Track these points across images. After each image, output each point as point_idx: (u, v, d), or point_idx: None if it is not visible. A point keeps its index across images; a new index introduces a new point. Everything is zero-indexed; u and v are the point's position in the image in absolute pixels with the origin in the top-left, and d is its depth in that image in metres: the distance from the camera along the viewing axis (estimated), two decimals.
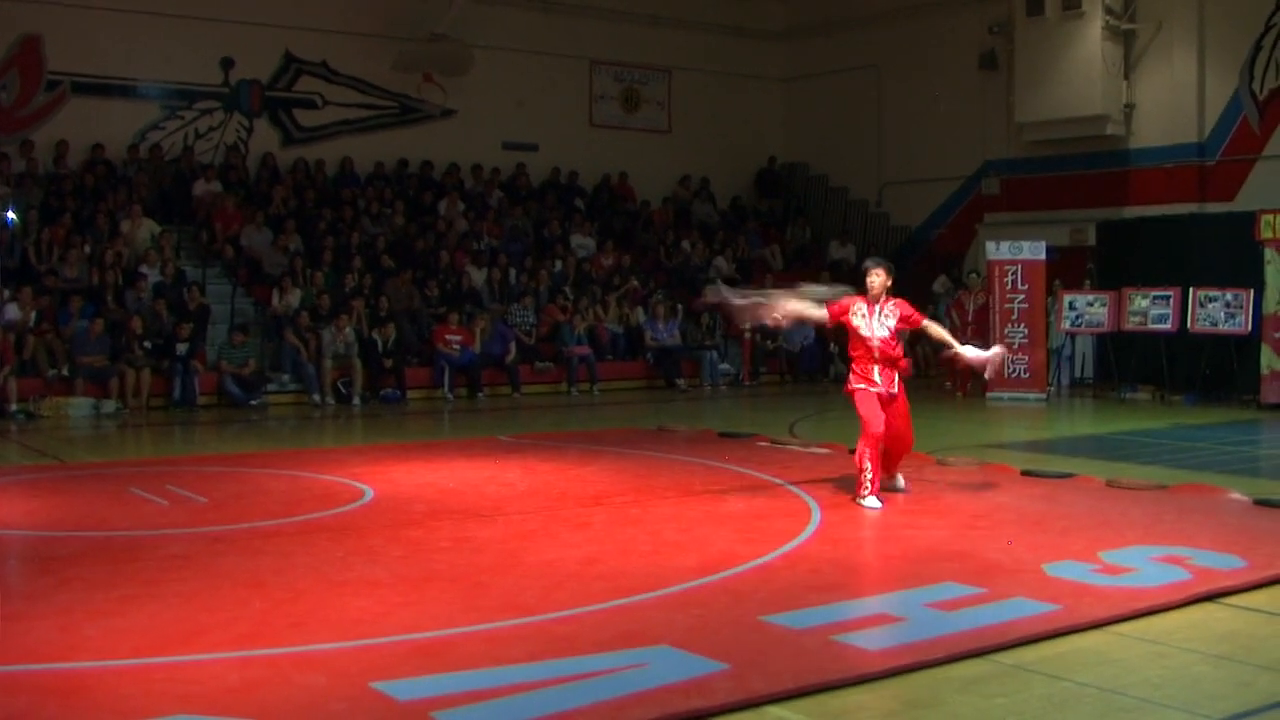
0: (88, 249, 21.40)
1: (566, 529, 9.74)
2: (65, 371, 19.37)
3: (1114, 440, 16.25)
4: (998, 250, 21.66)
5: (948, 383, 22.55)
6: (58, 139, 23.36)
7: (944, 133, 28.36)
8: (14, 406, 18.50)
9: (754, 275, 27.30)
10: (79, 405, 19.09)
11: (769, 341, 24.98)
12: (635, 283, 25.60)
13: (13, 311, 19.36)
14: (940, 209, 28.94)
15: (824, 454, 14.06)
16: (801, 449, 14.59)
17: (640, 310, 24.83)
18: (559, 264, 25.57)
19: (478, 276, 24.24)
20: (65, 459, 14.83)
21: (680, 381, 23.80)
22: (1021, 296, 21.19)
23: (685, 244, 27.77)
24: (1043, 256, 21.38)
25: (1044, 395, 21.10)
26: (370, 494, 11.31)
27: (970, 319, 21.87)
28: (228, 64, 25.49)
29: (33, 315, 19.52)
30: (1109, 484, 11.75)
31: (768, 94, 31.93)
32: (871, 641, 6.57)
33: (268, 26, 25.58)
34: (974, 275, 23.04)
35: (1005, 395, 20.88)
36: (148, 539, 9.50)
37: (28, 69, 23.64)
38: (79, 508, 11.07)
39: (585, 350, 23.23)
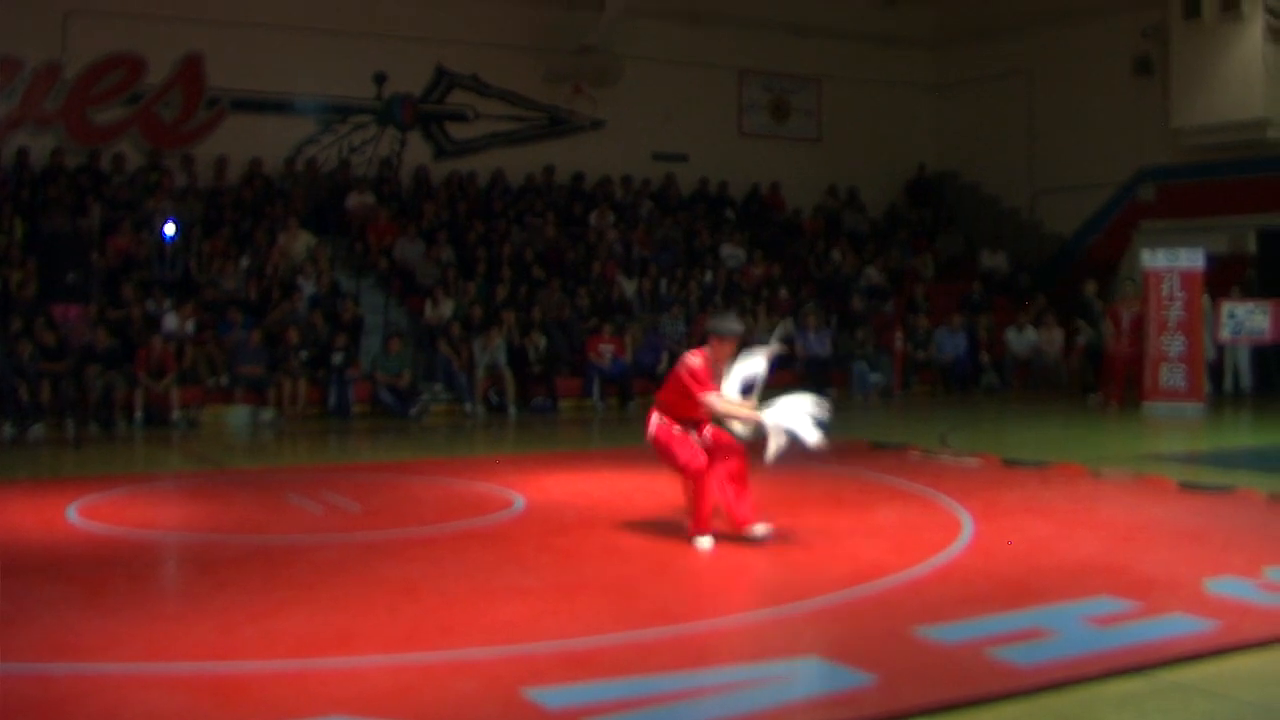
0: (245, 262, 21.87)
1: (716, 538, 9.72)
2: (224, 381, 19.81)
3: (1277, 453, 15.84)
4: (1154, 258, 21.23)
5: (1097, 395, 22.14)
6: (218, 154, 23.93)
7: (1097, 139, 27.85)
8: (176, 414, 18.93)
9: (905, 285, 27.11)
10: (237, 413, 19.50)
11: (920, 352, 24.76)
12: (784, 292, 25.53)
13: (171, 322, 19.84)
14: (1094, 217, 28.43)
15: (976, 465, 13.89)
16: (954, 460, 14.42)
17: (791, 320, 24.71)
18: (709, 274, 25.56)
19: (628, 287, 24.34)
20: (224, 465, 15.15)
21: (830, 391, 23.64)
22: (1178, 305, 20.75)
23: (835, 254, 27.63)
24: (1200, 264, 20.91)
25: (1201, 405, 20.60)
26: (521, 502, 11.39)
27: (1125, 328, 21.46)
28: (380, 79, 25.90)
29: (190, 324, 19.97)
30: (1272, 498, 11.43)
31: (918, 102, 31.63)
32: (1025, 656, 6.47)
33: (419, 41, 25.94)
34: (1129, 283, 22.60)
35: (1161, 406, 20.45)
36: (303, 544, 9.68)
37: (189, 87, 24.25)
38: (237, 513, 11.31)
39: None
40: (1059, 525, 10.23)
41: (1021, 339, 24.92)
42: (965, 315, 25.43)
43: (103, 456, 16.16)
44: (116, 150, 23.32)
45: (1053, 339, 24.80)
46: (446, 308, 21.96)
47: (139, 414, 18.75)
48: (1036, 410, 21.68)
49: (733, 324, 9.93)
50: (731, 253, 26.62)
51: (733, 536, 9.39)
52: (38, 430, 17.69)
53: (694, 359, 9.55)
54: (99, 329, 19.00)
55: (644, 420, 10.00)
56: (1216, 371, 22.45)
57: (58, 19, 23.02)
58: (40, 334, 18.63)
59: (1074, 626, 7.06)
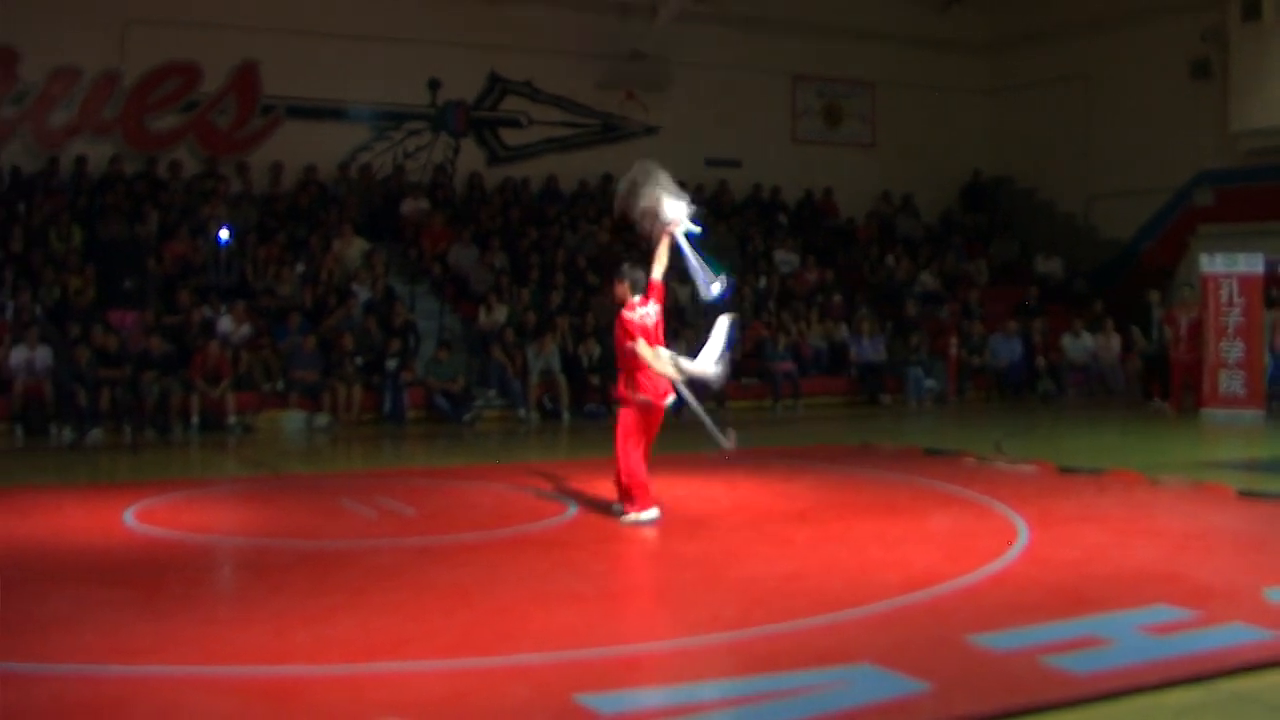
0: (301, 267, 21.98)
1: (769, 545, 9.71)
2: (279, 386, 19.91)
3: None
4: (1212, 263, 21.01)
5: (1155, 400, 21.97)
6: (273, 161, 24.09)
7: (1154, 143, 27.61)
8: (231, 419, 19.03)
9: (959, 290, 26.97)
10: (292, 419, 19.58)
11: (975, 357, 24.63)
12: (838, 298, 25.48)
13: (226, 325, 19.96)
14: (1150, 222, 28.19)
15: (1032, 472, 13.79)
16: (1009, 466, 14.33)
17: (844, 326, 24.65)
18: (763, 280, 25.51)
19: (682, 293, 24.27)
20: (279, 470, 15.22)
21: (884, 397, 23.57)
22: (1237, 310, 20.53)
23: (890, 259, 27.53)
24: (1260, 269, 20.67)
25: (1261, 412, 20.37)
26: (575, 508, 11.39)
27: (1183, 333, 21.26)
28: (435, 85, 25.99)
29: (245, 328, 20.07)
30: None
31: (973, 106, 31.44)
32: (1080, 664, 6.40)
33: (473, 47, 26.02)
34: (1187, 288, 22.39)
35: (1220, 412, 20.24)
36: (357, 549, 9.71)
37: (244, 94, 24.41)
38: (292, 518, 11.36)
39: (789, 366, 23.13)
40: (1115, 532, 10.13)
41: (1078, 345, 24.75)
42: (1020, 321, 25.29)
43: (159, 461, 16.30)
44: (173, 157, 23.53)
45: (1109, 345, 24.61)
46: (500, 314, 22.00)
47: (195, 419, 18.84)
48: (1093, 416, 21.53)
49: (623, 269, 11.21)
50: (785, 258, 26.57)
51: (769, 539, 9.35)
52: (96, 435, 17.87)
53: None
54: (153, 335, 19.15)
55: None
56: (1275, 379, 22.14)
57: (116, 28, 23.23)
58: (98, 340, 18.81)
59: (1130, 635, 6.99)
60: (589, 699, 5.87)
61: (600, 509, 11.20)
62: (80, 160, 22.61)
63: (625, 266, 11.23)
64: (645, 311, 10.80)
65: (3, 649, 6.70)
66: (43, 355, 18.37)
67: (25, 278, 19.83)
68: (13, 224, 20.85)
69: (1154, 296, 24.23)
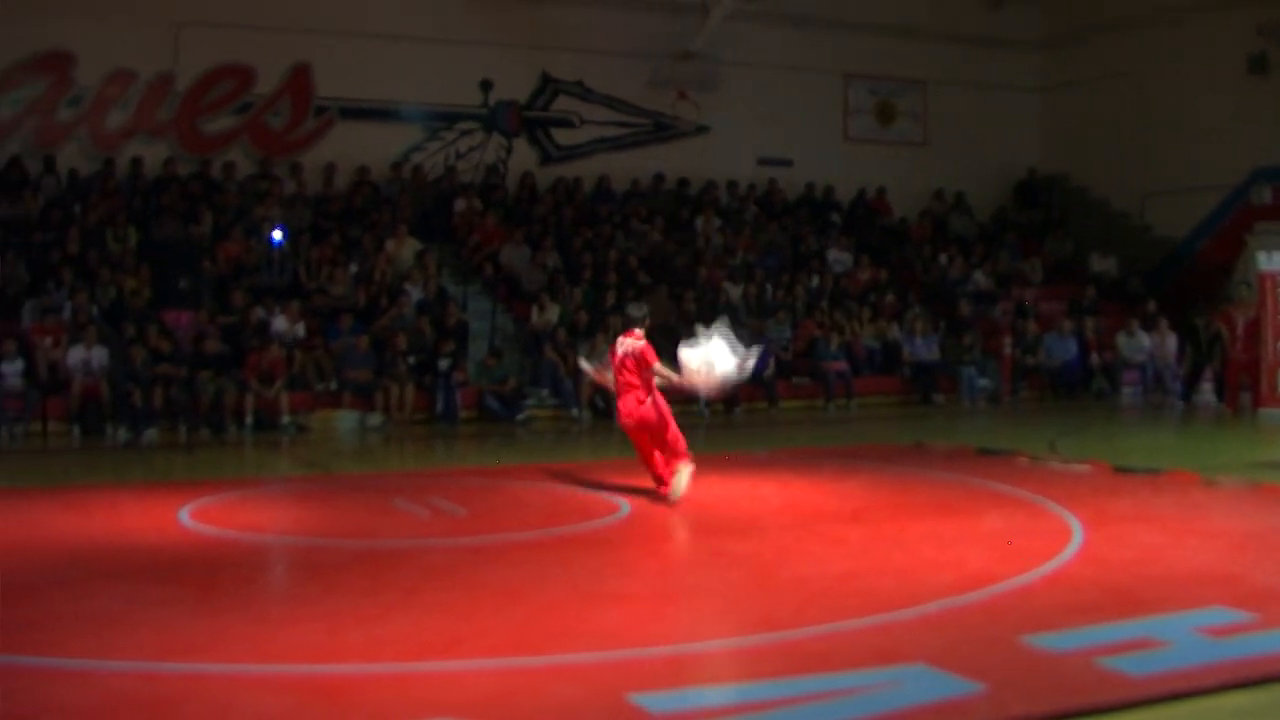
0: (354, 267, 22.07)
1: (822, 545, 9.67)
2: (333, 386, 19.99)
3: None
4: (1270, 261, 20.79)
5: (1193, 398, 21.81)
6: (326, 162, 24.23)
7: (1210, 140, 27.30)
8: (285, 419, 19.12)
9: (1012, 288, 26.82)
10: (345, 418, 19.67)
11: (1029, 357, 24.48)
12: (891, 297, 25.38)
13: (279, 324, 20.06)
14: (1206, 220, 27.91)
15: (1086, 471, 13.68)
16: (1063, 466, 14.23)
17: (897, 325, 24.54)
18: (815, 279, 25.43)
19: (734, 292, 24.25)
20: (332, 470, 15.28)
21: (937, 397, 23.45)
22: None
23: (942, 258, 27.39)
24: None
25: None
26: (627, 508, 11.37)
27: (1239, 333, 21.05)
28: (487, 86, 26.05)
29: (298, 328, 20.15)
30: None
31: (1025, 104, 31.26)
32: (1136, 666, 6.34)
33: (525, 48, 26.09)
34: (1244, 287, 22.16)
35: (1278, 412, 20.02)
36: (410, 549, 9.74)
37: (298, 96, 24.56)
38: (345, 517, 11.40)
39: (842, 365, 23.03)
40: (1171, 533, 10.04)
41: (1133, 343, 24.52)
42: (1074, 320, 25.11)
43: (214, 461, 16.41)
44: (227, 159, 23.70)
45: (1164, 344, 24.36)
46: (553, 313, 22.02)
47: (249, 419, 18.96)
48: (1148, 416, 21.35)
49: (630, 310, 12.57)
50: (838, 257, 26.48)
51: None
52: (151, 435, 18.01)
53: (639, 342, 11.91)
54: (207, 335, 19.29)
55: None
56: None
57: (170, 31, 23.41)
58: (154, 340, 18.95)
59: (1187, 637, 6.91)
60: (641, 698, 5.86)
61: (653, 508, 11.21)
62: (136, 162, 22.80)
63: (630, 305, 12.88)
64: (624, 343, 12.01)
65: (59, 645, 6.76)
66: (99, 355, 18.54)
67: (82, 278, 20.03)
68: (69, 225, 21.05)
69: (1199, 321, 23.71)
